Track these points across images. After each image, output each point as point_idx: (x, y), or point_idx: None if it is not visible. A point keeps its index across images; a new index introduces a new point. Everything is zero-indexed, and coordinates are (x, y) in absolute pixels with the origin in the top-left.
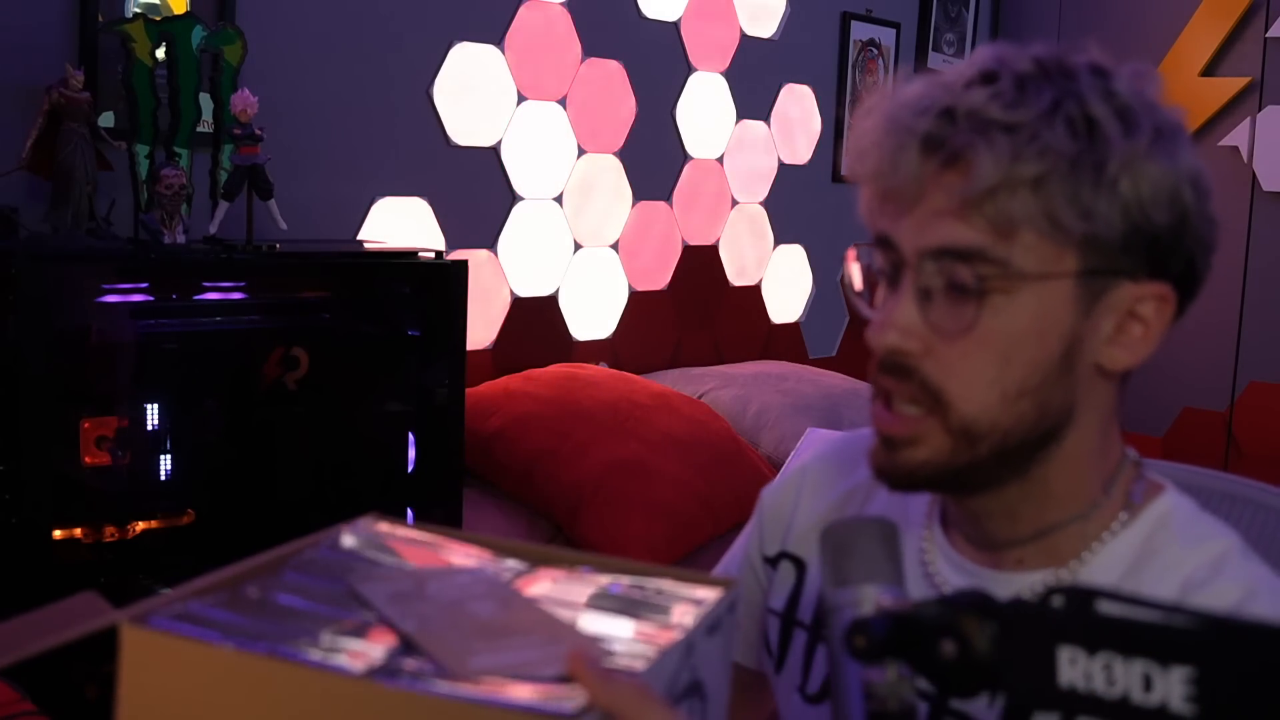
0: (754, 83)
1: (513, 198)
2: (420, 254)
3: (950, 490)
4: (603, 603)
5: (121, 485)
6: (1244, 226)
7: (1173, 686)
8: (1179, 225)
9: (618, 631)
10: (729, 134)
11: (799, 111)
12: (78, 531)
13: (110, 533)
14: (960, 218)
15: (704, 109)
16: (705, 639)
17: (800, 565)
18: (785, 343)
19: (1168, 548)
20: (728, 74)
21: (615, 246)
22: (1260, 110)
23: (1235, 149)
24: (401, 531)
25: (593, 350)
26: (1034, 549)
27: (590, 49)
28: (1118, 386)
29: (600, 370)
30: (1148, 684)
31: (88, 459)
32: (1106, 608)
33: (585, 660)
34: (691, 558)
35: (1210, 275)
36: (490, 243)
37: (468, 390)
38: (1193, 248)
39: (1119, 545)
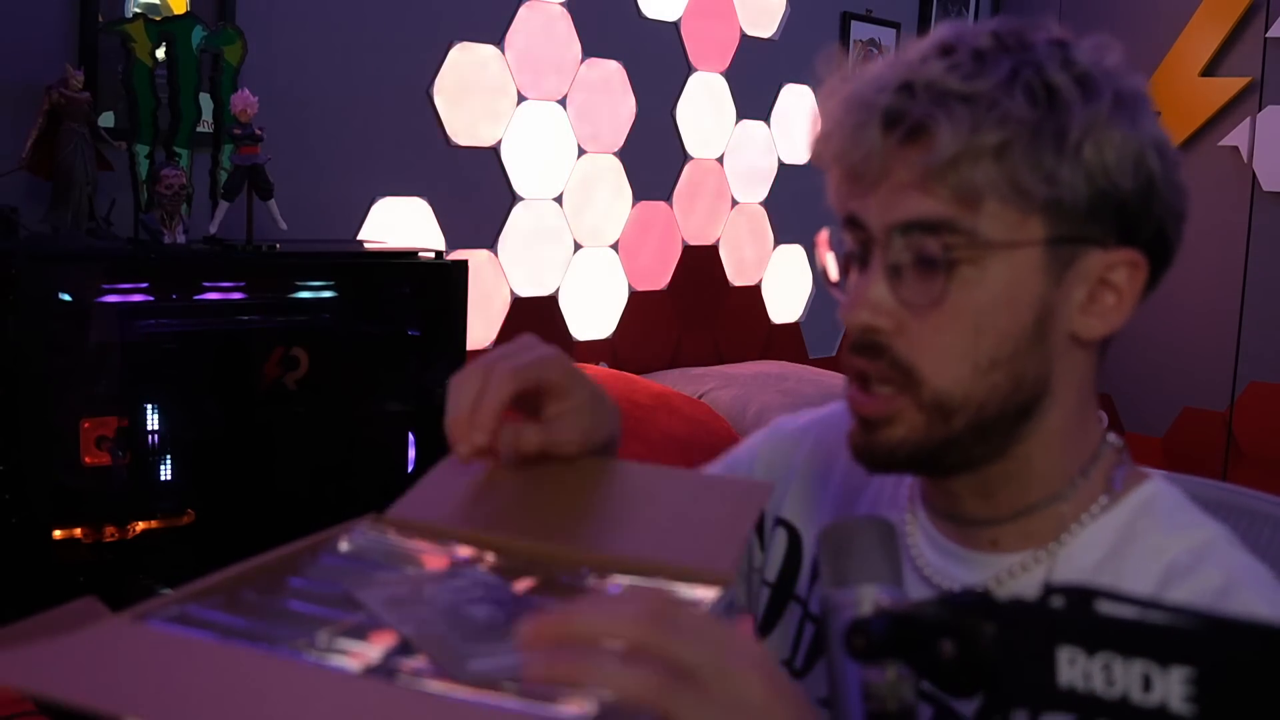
0: (754, 83)
1: (513, 198)
2: (420, 254)
3: (930, 470)
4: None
5: (121, 485)
6: (1244, 226)
7: (1172, 687)
8: (1146, 191)
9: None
10: (729, 134)
11: (799, 111)
12: (78, 531)
13: (110, 533)
14: (924, 190)
15: (704, 109)
16: None
17: (794, 535)
18: (785, 343)
19: (1150, 533)
20: (728, 74)
21: (615, 246)
22: (1260, 110)
23: (1235, 149)
24: (401, 532)
25: (593, 350)
26: (1013, 530)
27: (590, 49)
28: (1094, 358)
29: (600, 370)
30: (1147, 684)
31: (88, 459)
32: (1106, 608)
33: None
34: None
35: (1210, 275)
36: (490, 243)
37: None
38: (1162, 214)
39: (1099, 528)
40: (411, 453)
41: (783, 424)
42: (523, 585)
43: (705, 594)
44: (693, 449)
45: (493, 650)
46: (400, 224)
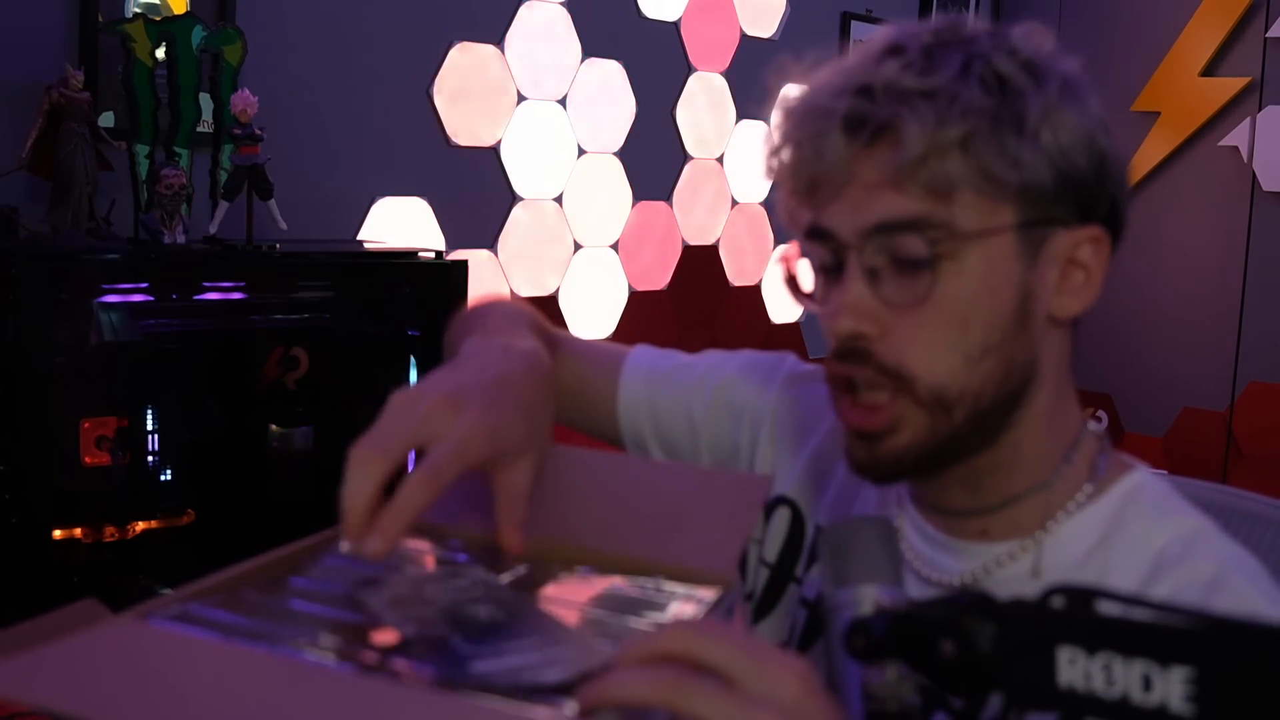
0: (754, 83)
1: (513, 198)
2: (420, 254)
3: (934, 472)
4: (602, 602)
5: (121, 485)
6: (1244, 226)
7: (1172, 686)
8: (1099, 168)
9: (618, 631)
10: (729, 134)
11: None
12: (78, 531)
13: (110, 533)
14: (896, 189)
15: (704, 109)
16: None
17: (797, 515)
18: (785, 343)
19: (1138, 522)
20: (728, 74)
21: (615, 246)
22: (1260, 110)
23: (1235, 149)
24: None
25: None
26: (999, 519)
27: (590, 49)
28: (1069, 338)
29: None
30: (1147, 684)
31: (88, 459)
32: (1106, 608)
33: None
34: None
35: (1210, 275)
36: (490, 243)
37: None
38: (1114, 189)
39: (1086, 517)
40: (411, 453)
41: (798, 377)
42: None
43: (706, 594)
44: None
45: (494, 650)
46: (400, 224)
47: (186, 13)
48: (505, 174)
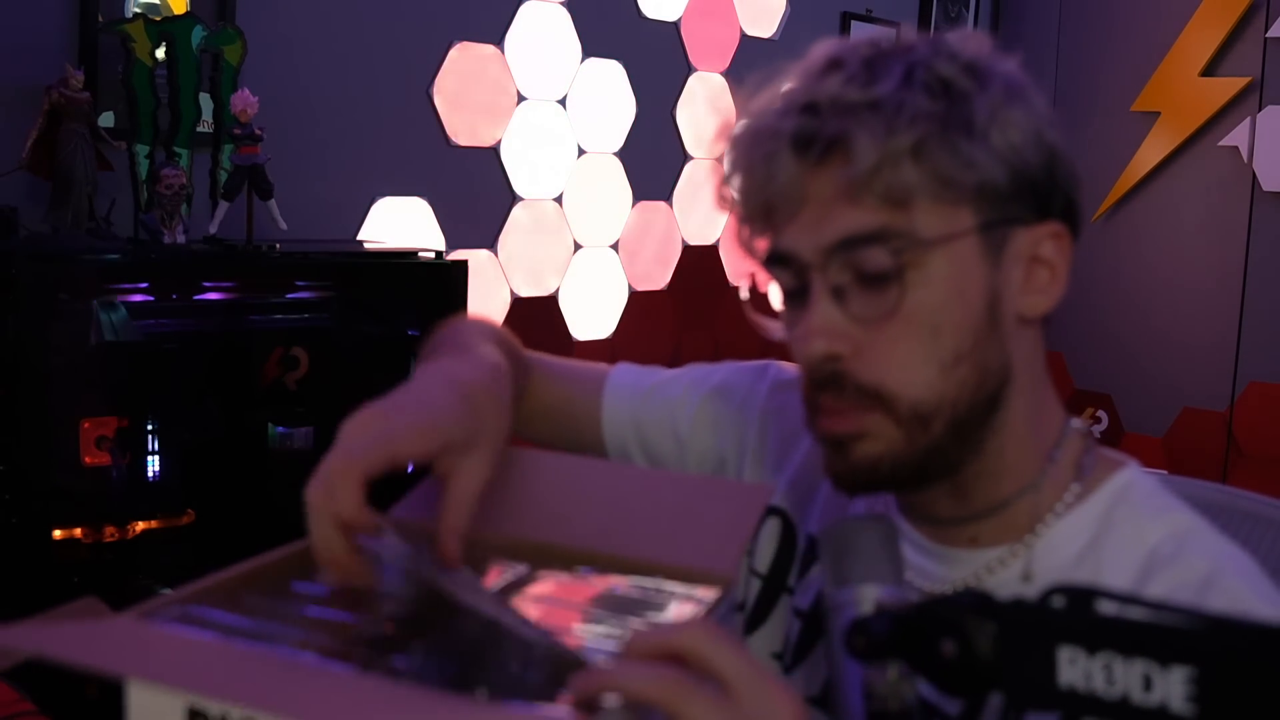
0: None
1: (513, 198)
2: (420, 254)
3: (914, 484)
4: (603, 603)
5: (121, 485)
6: (1244, 226)
7: (1173, 686)
8: (1050, 164)
9: (618, 632)
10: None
11: None
12: (78, 531)
13: (110, 533)
14: (852, 203)
15: (704, 109)
16: None
17: (788, 525)
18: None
19: (1129, 521)
20: (728, 74)
21: (615, 246)
22: (1260, 110)
23: (1235, 149)
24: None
25: (593, 350)
26: (988, 525)
27: (590, 49)
28: (1040, 337)
29: None
30: (1148, 684)
31: (88, 459)
32: (1106, 607)
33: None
34: None
35: (1210, 275)
36: (490, 243)
37: None
38: (1066, 183)
39: (1076, 518)
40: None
41: (782, 385)
42: (525, 585)
43: (706, 595)
44: None
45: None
46: (400, 224)
47: (186, 13)
48: (505, 174)
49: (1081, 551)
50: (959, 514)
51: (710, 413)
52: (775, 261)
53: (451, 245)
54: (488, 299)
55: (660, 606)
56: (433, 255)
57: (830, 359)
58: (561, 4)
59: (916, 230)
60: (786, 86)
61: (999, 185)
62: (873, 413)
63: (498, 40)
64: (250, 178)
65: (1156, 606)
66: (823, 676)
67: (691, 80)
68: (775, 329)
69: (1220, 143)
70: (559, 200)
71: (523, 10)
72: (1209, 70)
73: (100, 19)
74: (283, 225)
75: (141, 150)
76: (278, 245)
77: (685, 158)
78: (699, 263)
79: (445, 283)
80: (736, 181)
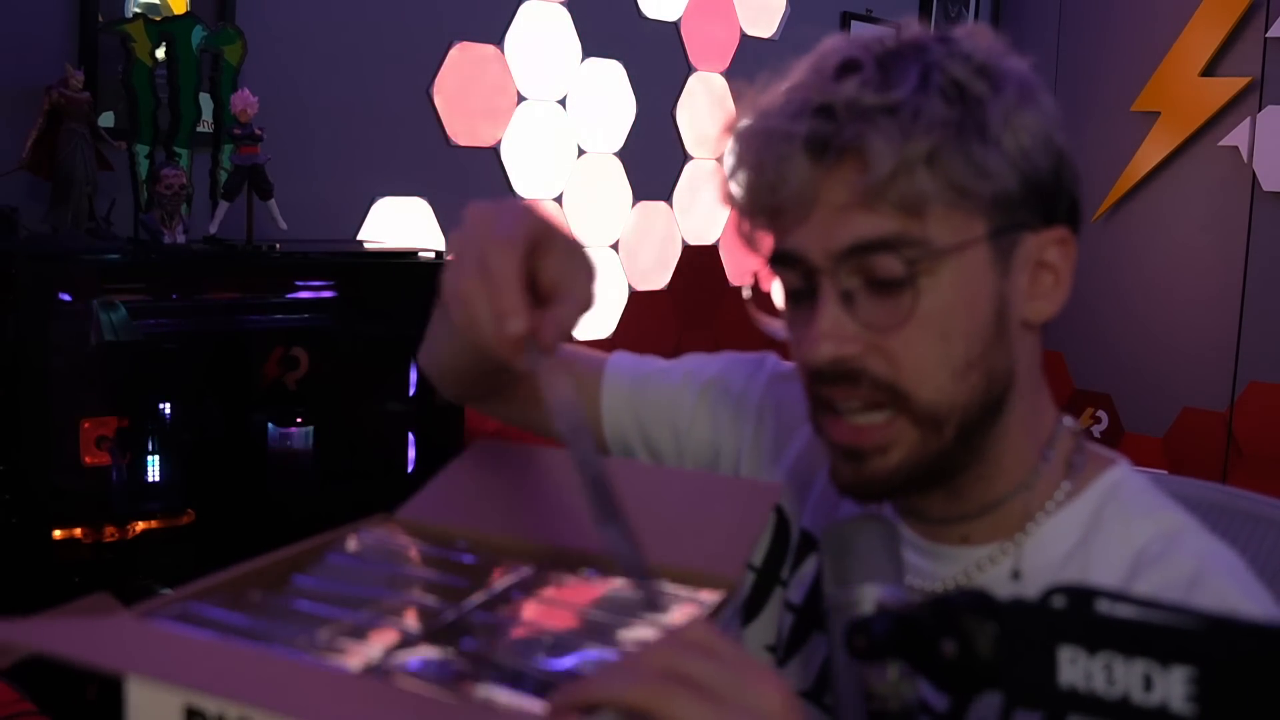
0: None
1: (513, 198)
2: (420, 254)
3: (922, 489)
4: (604, 604)
5: (122, 485)
6: (1244, 226)
7: (1173, 686)
8: (1058, 167)
9: (620, 633)
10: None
11: None
12: (78, 531)
13: (110, 533)
14: (867, 209)
15: (704, 109)
16: None
17: (782, 520)
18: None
19: (1117, 520)
20: (728, 74)
21: (615, 246)
22: (1260, 110)
23: (1235, 149)
24: (410, 532)
25: None
26: (980, 523)
27: (590, 49)
28: (1040, 340)
29: None
30: (1148, 684)
31: (88, 459)
32: (1107, 607)
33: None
34: None
35: (1210, 275)
36: None
37: None
38: (1071, 186)
39: (1066, 517)
40: (411, 453)
41: (780, 377)
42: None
43: (709, 597)
44: None
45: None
46: (400, 224)
47: (186, 13)
48: (505, 174)
49: (1071, 550)
50: (952, 513)
51: (708, 404)
52: (781, 261)
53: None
54: None
55: (662, 609)
56: (433, 255)
57: (838, 362)
58: (561, 4)
59: (930, 238)
60: (797, 85)
61: (1011, 192)
62: (898, 418)
63: (498, 40)
64: (250, 178)
65: (1157, 606)
66: (815, 670)
67: (691, 80)
68: (777, 327)
69: (1220, 143)
70: (559, 200)
71: (523, 10)
72: (1209, 70)
73: (100, 19)
74: (283, 225)
75: (141, 150)
76: (278, 245)
77: (685, 158)
78: (699, 263)
79: None
80: (742, 177)
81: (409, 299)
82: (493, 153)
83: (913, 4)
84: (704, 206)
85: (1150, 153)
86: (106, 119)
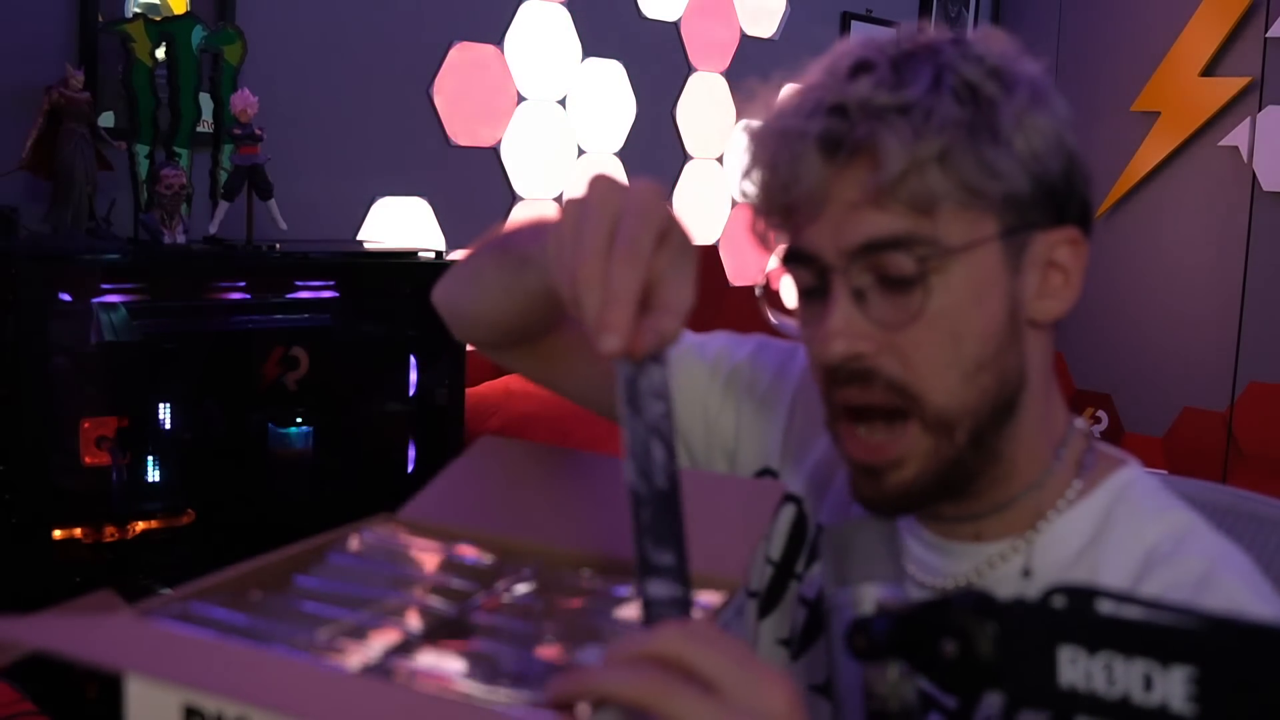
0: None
1: (513, 198)
2: (420, 254)
3: (940, 499)
4: (606, 605)
5: (121, 485)
6: (1244, 226)
7: (1173, 686)
8: (1069, 168)
9: (621, 634)
10: (729, 134)
11: None
12: (78, 531)
13: (110, 533)
14: (878, 208)
15: (704, 109)
16: None
17: (801, 513)
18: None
19: (1128, 519)
20: (728, 74)
21: None
22: (1260, 110)
23: (1235, 149)
24: (412, 532)
25: None
26: (992, 521)
27: (590, 49)
28: (1050, 339)
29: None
30: (1148, 684)
31: (88, 459)
32: (1107, 607)
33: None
34: None
35: (1210, 275)
36: None
37: (468, 390)
38: (1082, 187)
39: (1077, 515)
40: (411, 453)
41: (793, 362)
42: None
43: (712, 598)
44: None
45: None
46: (400, 224)
47: (186, 13)
48: (505, 174)
49: (1081, 548)
50: (964, 511)
51: (735, 387)
52: (794, 259)
53: (451, 245)
54: None
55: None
56: (433, 255)
57: (851, 359)
58: (561, 4)
59: (940, 237)
60: (811, 85)
61: (1021, 192)
62: (908, 426)
63: (498, 40)
64: (250, 178)
65: (1157, 606)
66: (823, 669)
67: (691, 80)
68: (790, 326)
69: (1220, 143)
70: (559, 200)
71: (523, 10)
72: (1209, 70)
73: (100, 19)
74: (283, 225)
75: (141, 150)
76: (278, 245)
77: (685, 158)
78: (699, 262)
79: None
80: (756, 176)
81: (409, 299)
82: (493, 153)
83: (913, 4)
84: (704, 207)
85: (1150, 153)
86: (106, 119)
